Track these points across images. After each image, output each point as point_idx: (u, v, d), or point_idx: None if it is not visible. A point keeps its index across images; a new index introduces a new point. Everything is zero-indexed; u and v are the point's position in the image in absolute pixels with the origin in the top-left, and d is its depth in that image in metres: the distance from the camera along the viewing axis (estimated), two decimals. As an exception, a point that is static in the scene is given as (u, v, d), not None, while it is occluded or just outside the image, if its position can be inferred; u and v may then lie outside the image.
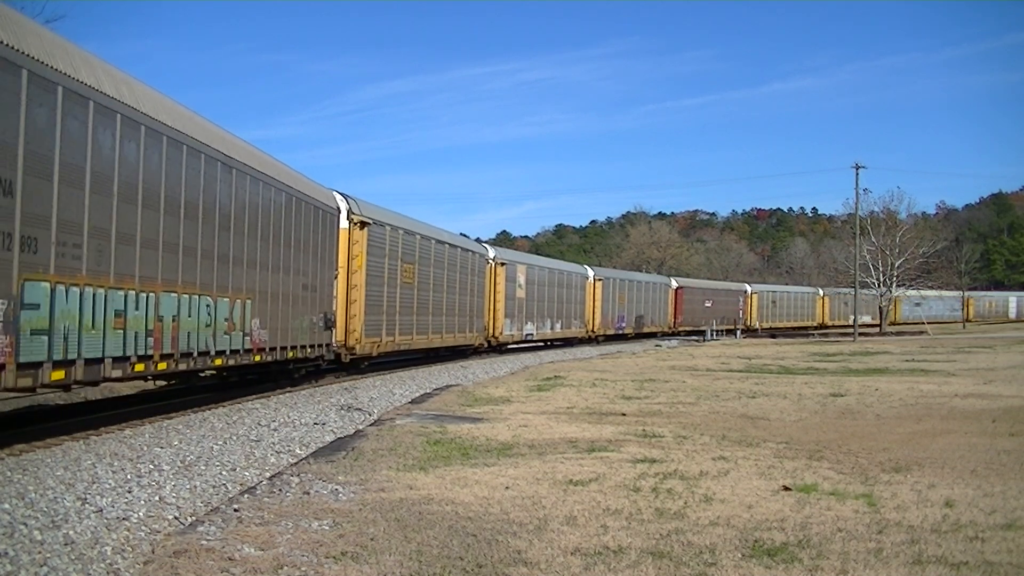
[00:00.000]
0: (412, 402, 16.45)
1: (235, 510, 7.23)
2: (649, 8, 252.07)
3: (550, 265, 45.61)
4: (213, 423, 13.11)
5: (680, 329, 60.91)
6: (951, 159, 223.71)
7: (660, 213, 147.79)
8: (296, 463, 9.69)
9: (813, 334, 68.69)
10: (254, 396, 17.22)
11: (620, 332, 52.20)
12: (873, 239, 63.41)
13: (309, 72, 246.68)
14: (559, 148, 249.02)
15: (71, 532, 6.61)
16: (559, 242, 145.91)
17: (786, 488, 8.33)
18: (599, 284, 48.88)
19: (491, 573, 5.63)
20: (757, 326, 69.69)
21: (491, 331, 35.60)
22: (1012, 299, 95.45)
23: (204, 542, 6.18)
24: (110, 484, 8.40)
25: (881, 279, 63.67)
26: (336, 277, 20.96)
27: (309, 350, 19.01)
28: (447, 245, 30.38)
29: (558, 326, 43.93)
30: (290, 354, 17.75)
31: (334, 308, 20.68)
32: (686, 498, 7.85)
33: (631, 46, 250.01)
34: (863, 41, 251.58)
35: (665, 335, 58.23)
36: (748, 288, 72.80)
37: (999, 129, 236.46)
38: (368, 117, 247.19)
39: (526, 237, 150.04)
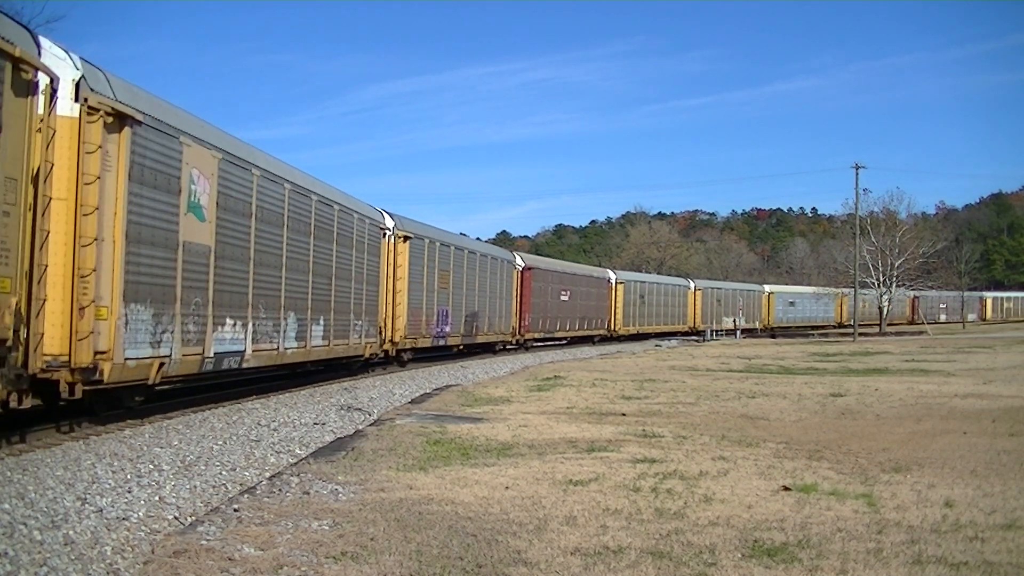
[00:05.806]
0: (412, 402, 16.46)
1: (235, 510, 7.22)
2: (653, 8, 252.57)
3: (303, 182, 18.34)
4: (213, 423, 13.11)
5: (528, 337, 40.41)
6: (951, 159, 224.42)
7: (660, 213, 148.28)
8: (296, 463, 9.69)
9: (699, 339, 56.66)
10: (254, 396, 17.22)
11: (441, 342, 29.82)
12: (873, 239, 63.55)
13: (312, 72, 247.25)
14: (562, 148, 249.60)
15: (71, 532, 6.61)
16: (559, 242, 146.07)
17: (786, 488, 8.33)
18: (405, 247, 25.78)
19: (491, 573, 5.63)
20: (620, 330, 52.84)
21: (74, 352, 10.18)
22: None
23: (204, 542, 6.17)
24: (110, 484, 8.41)
25: (881, 279, 63.79)
26: None
27: None
28: None
29: (319, 331, 19.06)
30: None
31: None
32: (686, 498, 7.85)
33: (635, 46, 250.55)
34: (866, 41, 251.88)
35: (508, 348, 38.87)
36: (613, 277, 53.58)
37: (999, 129, 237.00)
38: (371, 117, 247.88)
39: (526, 237, 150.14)
